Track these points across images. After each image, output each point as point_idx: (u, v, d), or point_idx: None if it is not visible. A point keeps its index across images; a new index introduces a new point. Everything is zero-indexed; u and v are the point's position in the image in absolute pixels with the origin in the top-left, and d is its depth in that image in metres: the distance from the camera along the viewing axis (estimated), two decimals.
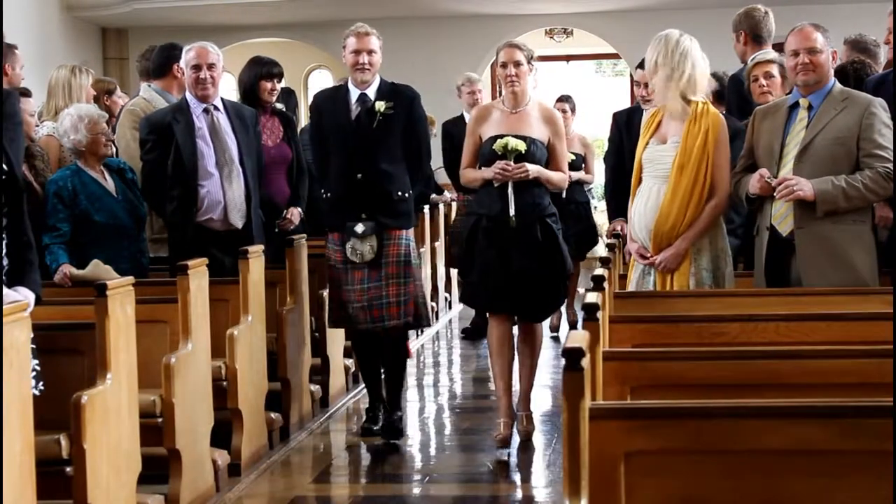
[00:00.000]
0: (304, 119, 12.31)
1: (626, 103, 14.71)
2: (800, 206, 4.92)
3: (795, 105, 5.07)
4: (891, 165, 4.87)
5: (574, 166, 8.18)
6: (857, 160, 4.91)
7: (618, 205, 5.98)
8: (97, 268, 5.78)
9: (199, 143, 6.19)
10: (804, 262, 4.94)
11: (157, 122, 6.26)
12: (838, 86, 5.08)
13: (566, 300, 7.81)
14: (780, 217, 5.00)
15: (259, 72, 6.96)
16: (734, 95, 6.29)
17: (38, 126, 6.78)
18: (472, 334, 9.52)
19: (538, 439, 6.19)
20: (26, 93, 6.33)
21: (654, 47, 5.13)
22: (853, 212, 4.95)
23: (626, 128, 6.29)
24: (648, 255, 5.16)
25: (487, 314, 6.20)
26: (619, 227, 5.93)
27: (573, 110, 9.53)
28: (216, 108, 6.27)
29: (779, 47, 6.21)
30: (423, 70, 13.10)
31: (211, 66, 6.19)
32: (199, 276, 5.27)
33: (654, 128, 5.22)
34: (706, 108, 5.14)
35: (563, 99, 9.60)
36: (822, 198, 4.85)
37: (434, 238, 10.61)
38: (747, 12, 6.50)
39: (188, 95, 6.28)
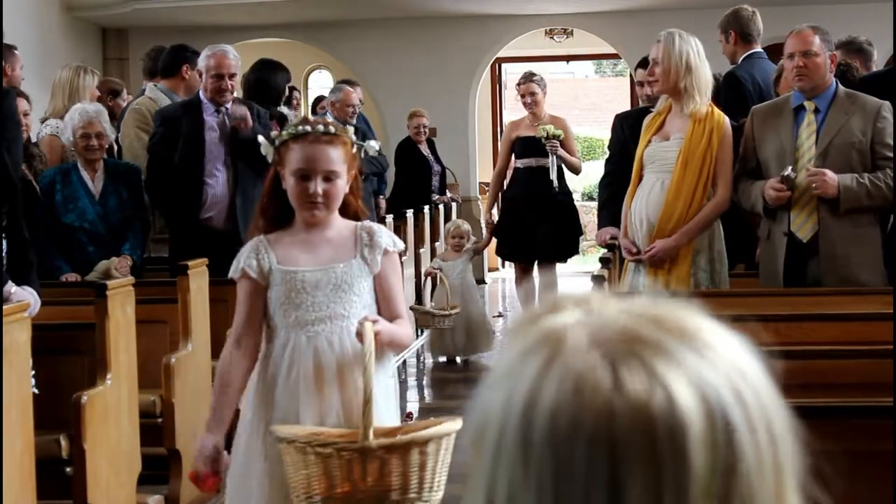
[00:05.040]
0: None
1: (626, 104, 14.70)
2: (820, 212, 4.93)
3: (800, 108, 5.06)
4: None
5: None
6: (873, 163, 4.93)
7: (610, 213, 5.75)
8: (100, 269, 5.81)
9: (209, 142, 6.20)
10: (826, 266, 4.93)
11: (169, 115, 6.28)
12: (842, 88, 5.07)
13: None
14: (799, 224, 4.99)
15: (287, 78, 7.14)
16: (730, 94, 6.26)
17: (42, 126, 6.80)
18: None
19: None
20: (20, 93, 6.34)
21: (662, 47, 5.08)
22: (869, 213, 4.97)
23: (630, 132, 6.00)
24: (636, 250, 5.14)
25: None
26: (612, 237, 5.65)
27: (543, 90, 8.43)
28: (227, 109, 6.29)
29: (775, 48, 6.20)
30: (424, 70, 13.10)
31: (232, 76, 6.22)
32: (199, 276, 5.26)
33: (658, 126, 5.21)
34: (712, 108, 5.14)
35: (532, 80, 8.45)
36: (846, 195, 4.84)
37: (434, 238, 10.60)
38: (735, 13, 6.47)
39: (201, 94, 6.29)
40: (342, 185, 3.22)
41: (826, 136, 4.96)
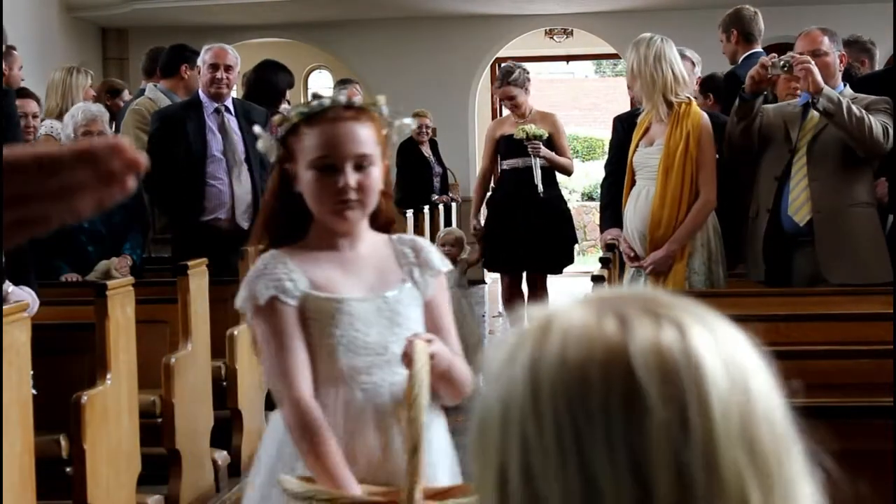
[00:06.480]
0: None
1: (626, 104, 14.69)
2: (818, 189, 4.92)
3: (808, 105, 5.08)
4: (891, 129, 4.84)
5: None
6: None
7: (613, 213, 5.67)
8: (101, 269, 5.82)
9: (210, 142, 6.21)
10: (823, 252, 4.92)
11: (169, 116, 6.28)
12: (848, 89, 5.09)
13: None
14: (798, 205, 4.99)
15: (289, 80, 7.13)
16: (730, 94, 6.26)
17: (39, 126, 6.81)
18: None
19: None
20: (30, 94, 6.36)
21: (629, 55, 5.14)
22: (867, 193, 4.95)
23: (629, 132, 5.79)
24: (633, 254, 5.17)
25: None
26: (612, 238, 5.55)
27: (524, 87, 7.22)
28: (227, 108, 6.30)
29: (776, 48, 6.20)
30: (423, 70, 13.09)
31: (228, 68, 6.24)
32: (199, 276, 5.26)
33: (644, 130, 5.22)
34: (689, 108, 5.10)
35: (508, 82, 7.20)
36: (829, 93, 4.79)
37: (434, 239, 10.59)
38: (737, 12, 6.48)
39: (201, 94, 6.30)
40: (378, 176, 2.36)
41: (823, 121, 4.96)
